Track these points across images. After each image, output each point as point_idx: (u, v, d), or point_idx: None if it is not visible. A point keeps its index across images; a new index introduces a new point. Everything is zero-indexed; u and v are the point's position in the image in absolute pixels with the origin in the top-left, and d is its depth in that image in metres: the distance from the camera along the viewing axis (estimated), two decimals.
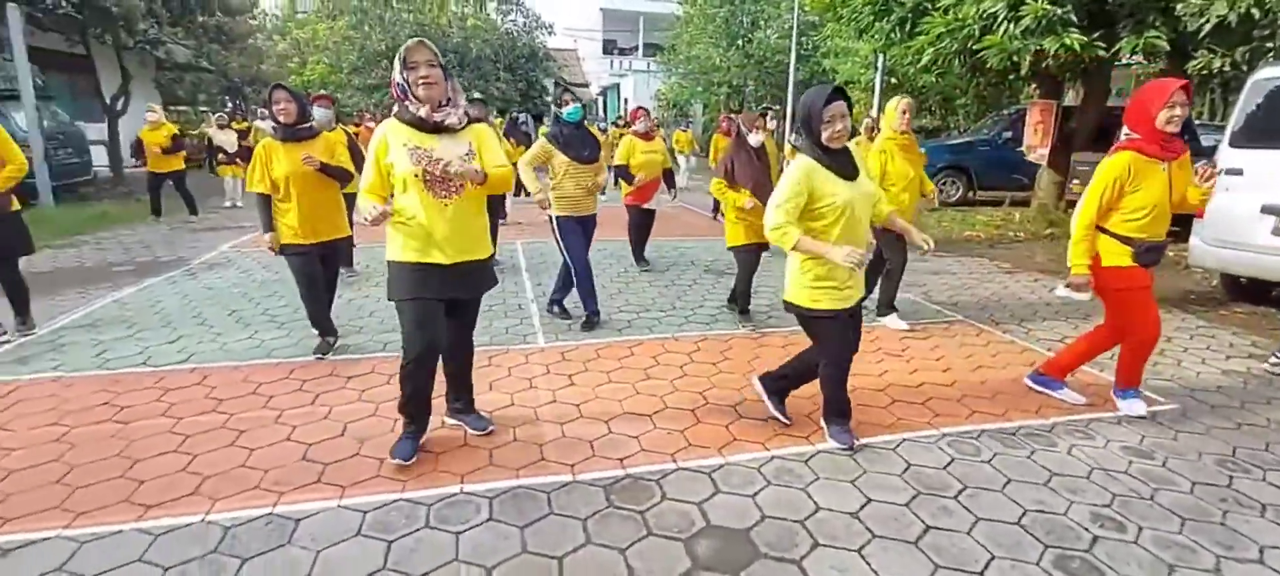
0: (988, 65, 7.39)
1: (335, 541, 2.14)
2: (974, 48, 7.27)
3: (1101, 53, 6.67)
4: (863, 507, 2.35)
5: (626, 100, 27.73)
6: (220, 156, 10.44)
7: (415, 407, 2.64)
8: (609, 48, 34.09)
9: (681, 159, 11.81)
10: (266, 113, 3.77)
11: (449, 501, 2.37)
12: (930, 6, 8.01)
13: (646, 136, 6.09)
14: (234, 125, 11.26)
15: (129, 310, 4.75)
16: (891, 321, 4.41)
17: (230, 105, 19.07)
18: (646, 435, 2.90)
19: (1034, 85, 9.57)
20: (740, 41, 21.53)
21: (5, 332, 4.06)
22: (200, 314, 4.65)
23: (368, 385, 3.40)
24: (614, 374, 3.61)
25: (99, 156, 12.07)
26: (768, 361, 3.80)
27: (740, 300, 4.51)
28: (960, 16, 7.40)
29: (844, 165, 2.51)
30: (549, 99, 21.00)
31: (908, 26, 8.57)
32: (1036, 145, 9.25)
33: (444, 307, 2.58)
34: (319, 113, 5.37)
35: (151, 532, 2.17)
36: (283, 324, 4.42)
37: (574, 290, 4.48)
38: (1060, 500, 2.41)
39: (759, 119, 4.46)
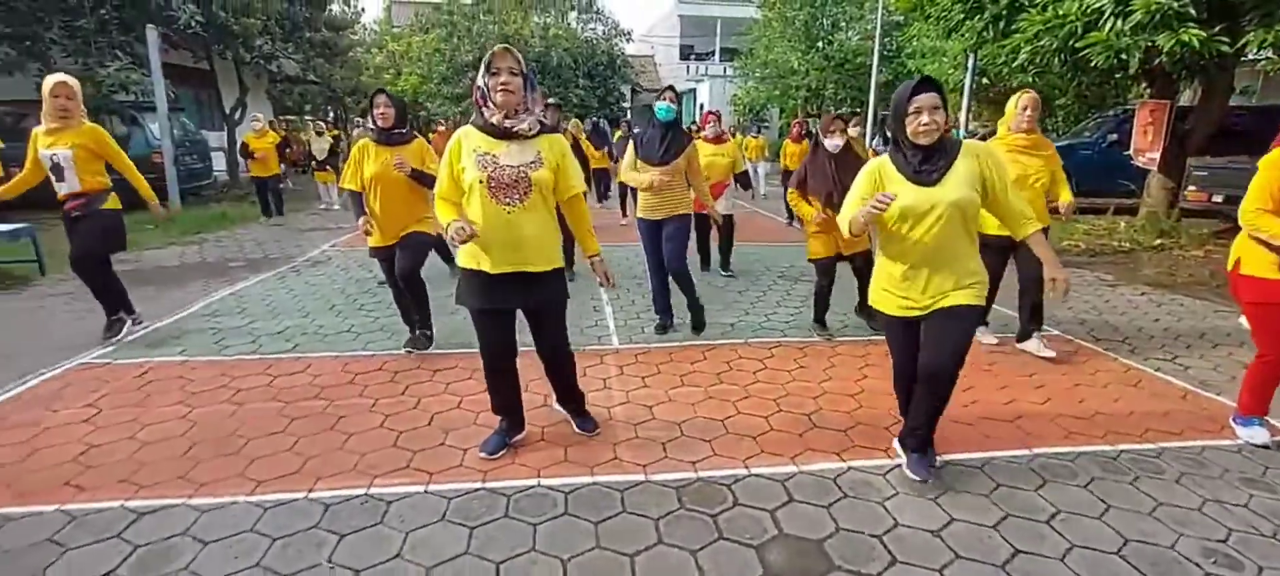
0: (1092, 64, 6.91)
1: (423, 524, 2.27)
2: (1076, 45, 6.83)
3: (1224, 48, 6.11)
4: (945, 526, 2.27)
5: (702, 105, 27.68)
6: (313, 162, 11.25)
7: (501, 408, 2.78)
8: (686, 53, 34.15)
9: (750, 166, 11.71)
10: (361, 121, 4.03)
11: (527, 493, 2.46)
12: (1027, 3, 7.60)
13: (717, 140, 6.06)
14: (328, 133, 12.15)
15: (244, 302, 5.20)
16: (1032, 346, 4.00)
17: (331, 115, 20.46)
18: (718, 440, 2.90)
19: (1145, 83, 8.86)
20: (820, 43, 21.10)
21: (139, 319, 4.50)
22: (304, 307, 5.03)
23: (453, 379, 3.57)
24: (687, 377, 3.64)
25: (217, 161, 13.24)
26: (844, 370, 3.72)
27: (816, 309, 4.43)
28: (1060, 13, 6.97)
29: (923, 166, 2.31)
30: (626, 105, 21.30)
31: (1002, 24, 8.15)
32: (1145, 149, 8.56)
33: (514, 314, 2.61)
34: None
35: (263, 505, 2.37)
36: (376, 318, 4.71)
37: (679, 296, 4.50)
38: (1167, 531, 2.24)
39: (837, 122, 4.28)
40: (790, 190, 4.32)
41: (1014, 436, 2.93)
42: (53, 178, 3.96)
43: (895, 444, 2.75)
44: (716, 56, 33.02)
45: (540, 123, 2.50)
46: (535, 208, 2.47)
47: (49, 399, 3.30)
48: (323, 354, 3.99)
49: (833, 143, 4.14)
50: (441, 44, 19.41)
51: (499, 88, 2.37)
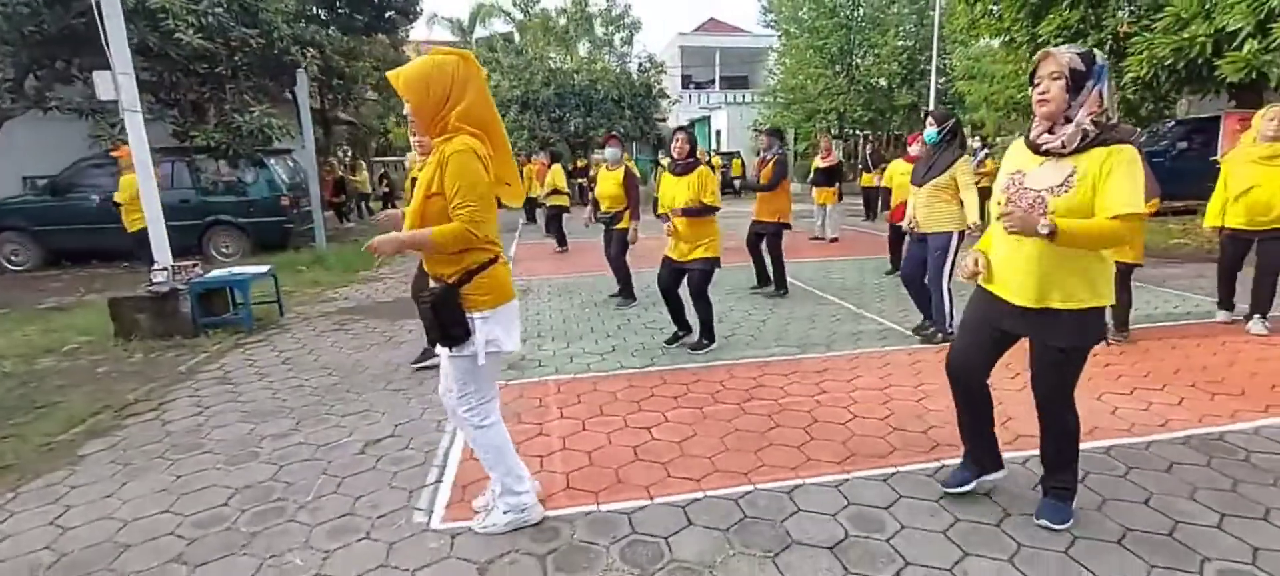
0: (1224, 78, 7.59)
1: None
2: (1214, 63, 7.51)
3: None
4: None
5: (718, 132, 28.49)
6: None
7: (962, 426, 2.55)
8: (686, 82, 35.14)
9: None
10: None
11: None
12: (1149, 25, 8.35)
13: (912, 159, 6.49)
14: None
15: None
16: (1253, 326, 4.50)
17: (349, 154, 20.67)
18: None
19: (1227, 95, 9.71)
20: (839, 67, 22.04)
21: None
22: (601, 328, 5.24)
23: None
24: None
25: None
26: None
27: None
28: (1186, 36, 7.71)
29: None
30: (661, 133, 21.87)
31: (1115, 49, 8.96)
32: None
33: (996, 334, 2.33)
34: (609, 152, 6.04)
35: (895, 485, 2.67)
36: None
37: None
38: None
39: None
40: None
41: None
42: None
43: None
44: (716, 85, 34.04)
45: (1086, 131, 2.05)
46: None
47: (525, 412, 3.55)
48: (716, 362, 4.25)
49: None
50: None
51: (1037, 97, 2.12)
